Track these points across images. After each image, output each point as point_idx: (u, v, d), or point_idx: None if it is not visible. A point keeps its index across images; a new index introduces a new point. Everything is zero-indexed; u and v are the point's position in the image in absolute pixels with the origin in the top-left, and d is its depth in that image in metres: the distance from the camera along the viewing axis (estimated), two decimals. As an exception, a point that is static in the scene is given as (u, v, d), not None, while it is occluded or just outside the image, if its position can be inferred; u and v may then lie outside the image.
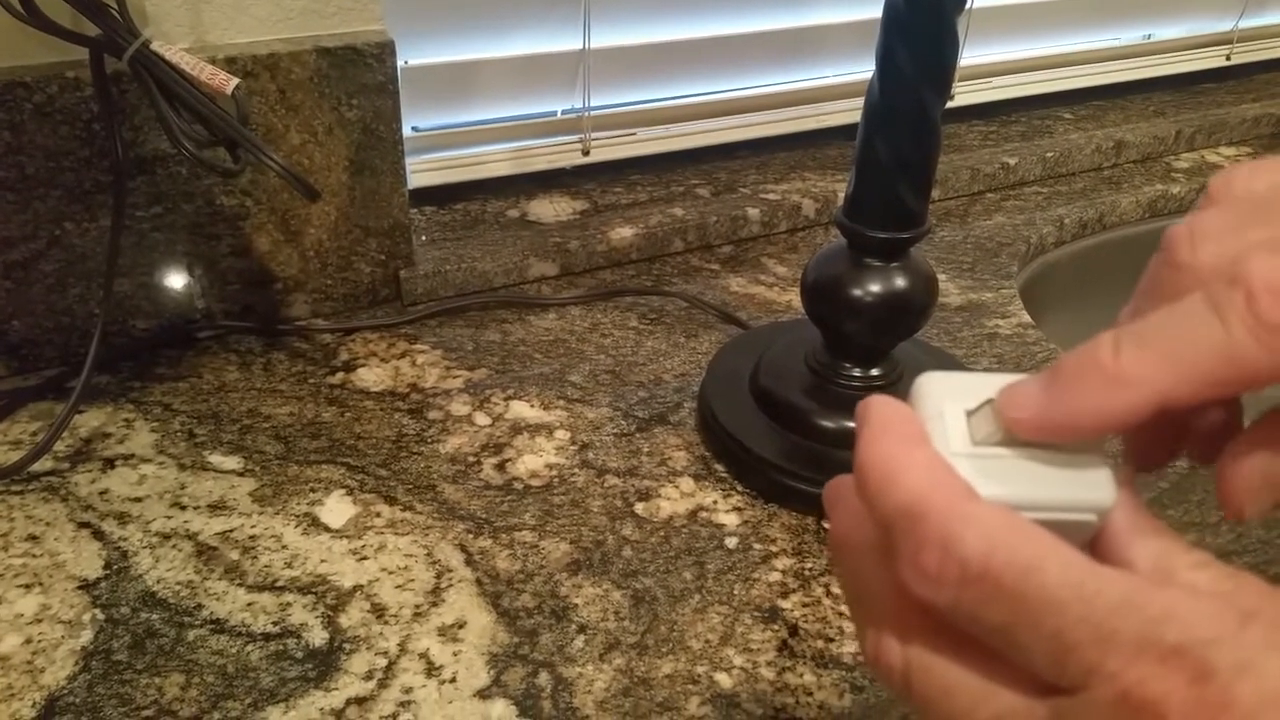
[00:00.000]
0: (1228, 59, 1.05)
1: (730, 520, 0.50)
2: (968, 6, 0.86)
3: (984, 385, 0.24)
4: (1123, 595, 0.20)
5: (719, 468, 0.54)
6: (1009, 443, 0.23)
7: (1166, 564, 0.22)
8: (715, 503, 0.51)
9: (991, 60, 0.95)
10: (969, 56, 0.92)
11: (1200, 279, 0.22)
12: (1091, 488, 0.23)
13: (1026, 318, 0.68)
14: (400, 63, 0.70)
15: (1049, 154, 0.87)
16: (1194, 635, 0.19)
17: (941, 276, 0.72)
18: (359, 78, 0.59)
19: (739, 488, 0.52)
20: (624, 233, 0.72)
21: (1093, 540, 0.23)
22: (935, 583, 0.21)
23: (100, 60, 0.52)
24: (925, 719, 0.23)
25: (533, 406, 0.58)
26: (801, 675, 0.42)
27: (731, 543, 0.49)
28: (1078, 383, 0.22)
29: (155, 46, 0.49)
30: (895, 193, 0.47)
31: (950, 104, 0.92)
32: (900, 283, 0.50)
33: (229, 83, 0.49)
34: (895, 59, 0.44)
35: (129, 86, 0.54)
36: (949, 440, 0.23)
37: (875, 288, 0.50)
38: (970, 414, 0.24)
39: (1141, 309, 0.23)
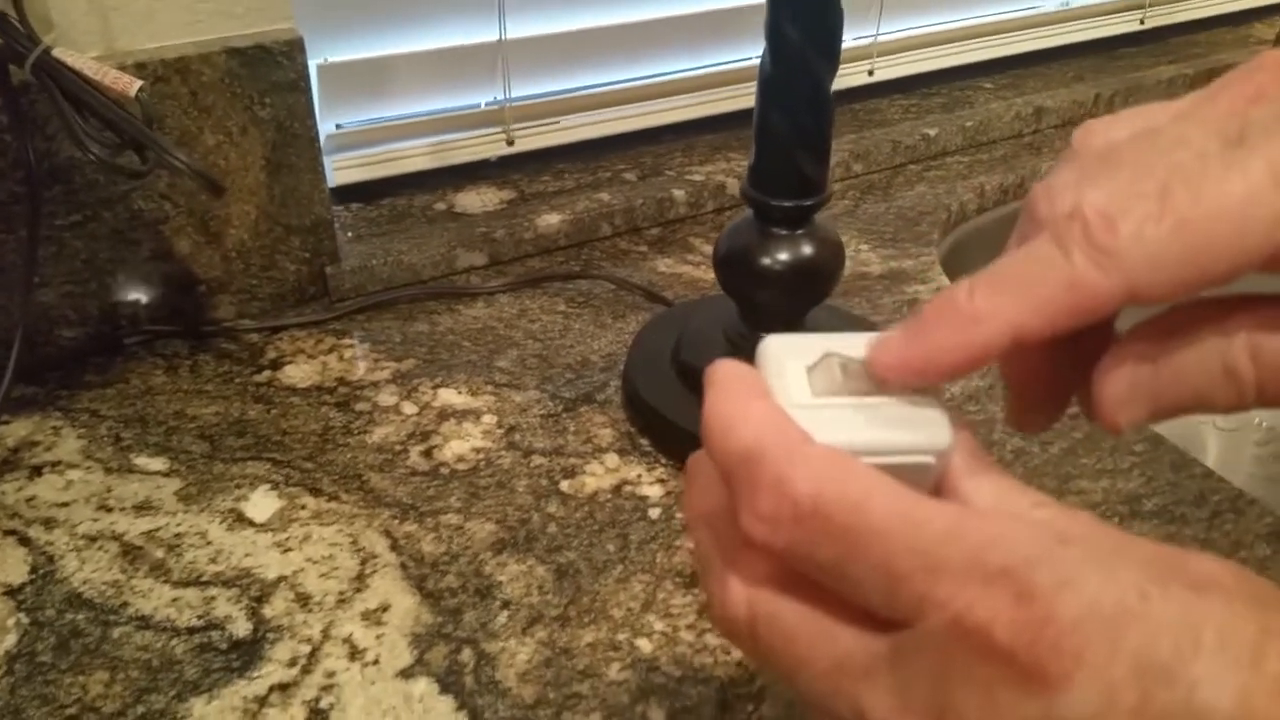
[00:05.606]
0: (1142, 23, 1.07)
1: (654, 492, 0.51)
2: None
3: (824, 343, 0.25)
4: (949, 524, 0.20)
5: (643, 442, 0.55)
6: (847, 393, 0.24)
7: (1006, 504, 0.23)
8: (639, 476, 0.52)
9: (909, 34, 0.96)
10: (887, 31, 0.93)
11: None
12: (927, 431, 0.23)
13: (946, 281, 0.69)
14: (319, 60, 0.70)
15: (969, 123, 0.89)
16: (1016, 557, 0.19)
17: (863, 247, 0.74)
18: (269, 76, 0.59)
19: (663, 460, 0.53)
20: (551, 220, 0.73)
21: (936, 486, 0.24)
22: (770, 524, 0.21)
23: (5, 70, 0.52)
24: (772, 673, 0.23)
25: (460, 393, 0.58)
26: (720, 635, 0.43)
27: (655, 514, 0.50)
28: (937, 324, 0.23)
29: (57, 53, 0.49)
30: (794, 162, 0.48)
31: (870, 79, 0.93)
32: (807, 250, 0.51)
33: (132, 85, 0.49)
34: (783, 30, 0.45)
35: (38, 97, 0.54)
36: (789, 393, 0.24)
37: (783, 256, 0.51)
38: (810, 369, 0.24)
39: None
